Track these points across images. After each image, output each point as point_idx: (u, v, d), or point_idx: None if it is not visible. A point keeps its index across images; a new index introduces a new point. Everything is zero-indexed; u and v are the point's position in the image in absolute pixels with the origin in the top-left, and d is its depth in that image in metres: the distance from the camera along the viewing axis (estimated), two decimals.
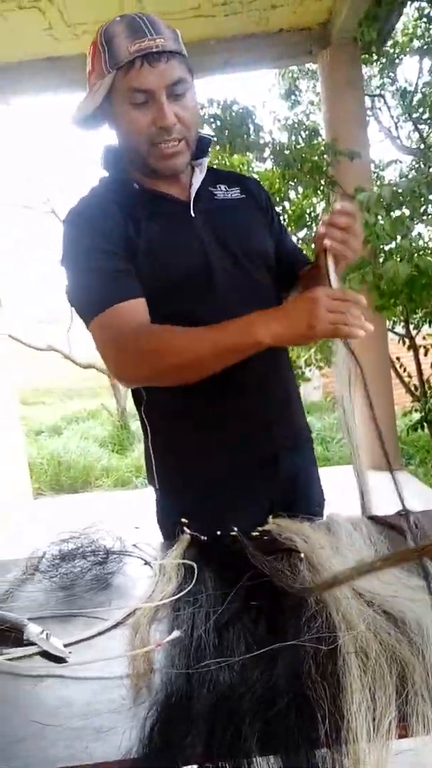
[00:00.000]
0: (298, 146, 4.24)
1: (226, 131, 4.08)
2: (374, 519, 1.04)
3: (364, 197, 3.07)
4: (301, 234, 4.39)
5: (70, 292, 1.11)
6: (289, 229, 4.19)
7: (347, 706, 0.53)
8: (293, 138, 4.36)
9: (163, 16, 3.56)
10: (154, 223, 1.10)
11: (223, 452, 1.13)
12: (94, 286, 1.06)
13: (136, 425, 6.78)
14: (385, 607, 0.71)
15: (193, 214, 1.13)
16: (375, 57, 5.16)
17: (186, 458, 1.16)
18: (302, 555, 0.89)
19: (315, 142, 4.33)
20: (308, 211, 4.46)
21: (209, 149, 1.19)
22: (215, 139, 4.08)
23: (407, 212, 3.58)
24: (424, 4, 4.93)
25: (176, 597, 0.79)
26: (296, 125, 4.54)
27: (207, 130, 4.18)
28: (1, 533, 3.66)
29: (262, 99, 6.43)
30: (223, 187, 1.19)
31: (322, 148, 4.10)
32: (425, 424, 4.45)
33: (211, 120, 4.10)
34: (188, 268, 1.09)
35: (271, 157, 4.21)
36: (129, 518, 1.25)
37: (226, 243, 1.13)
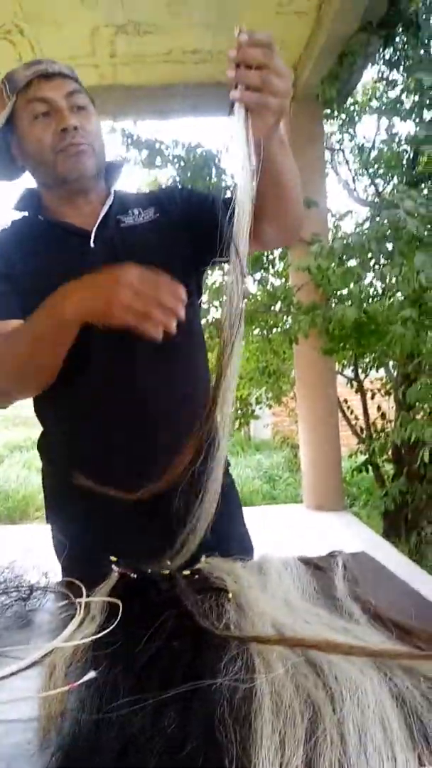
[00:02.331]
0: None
1: (189, 172, 4.19)
2: (304, 560, 1.05)
3: (316, 248, 3.20)
4: (258, 276, 4.50)
5: None
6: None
7: (256, 749, 0.52)
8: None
9: (135, 58, 3.70)
10: (53, 254, 1.10)
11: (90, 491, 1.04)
12: None
13: None
14: (305, 651, 0.71)
15: (92, 245, 1.11)
16: (335, 113, 5.42)
17: (64, 492, 1.13)
18: (230, 595, 0.88)
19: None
20: (266, 253, 4.58)
21: (120, 174, 1.21)
22: (178, 179, 4.18)
23: (356, 263, 3.73)
24: (383, 67, 5.24)
25: (97, 636, 0.77)
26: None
27: (170, 171, 4.28)
28: None
29: (227, 144, 6.61)
30: (135, 211, 1.17)
31: None
32: (370, 467, 4.54)
33: (175, 160, 4.20)
34: None
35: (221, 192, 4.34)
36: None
37: None
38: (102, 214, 1.14)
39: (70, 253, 1.11)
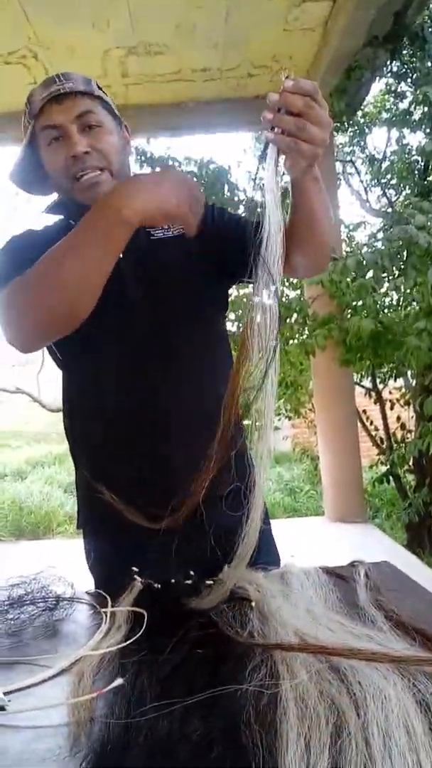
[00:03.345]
0: None
1: (202, 188, 4.24)
2: (325, 570, 1.05)
3: (330, 267, 3.22)
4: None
5: None
6: None
7: (282, 754, 0.53)
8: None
9: (145, 78, 3.77)
10: None
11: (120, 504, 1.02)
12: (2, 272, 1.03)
13: None
14: (329, 658, 0.71)
15: (121, 255, 1.10)
16: (346, 126, 5.46)
17: (93, 503, 1.08)
18: (253, 604, 0.89)
19: (287, 201, 4.53)
20: None
21: None
22: None
23: (370, 275, 3.73)
24: (391, 80, 5.28)
25: (123, 645, 0.79)
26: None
27: None
28: None
29: (238, 159, 6.71)
30: (164, 225, 1.17)
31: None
32: (391, 477, 4.50)
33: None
34: (105, 309, 1.04)
35: (245, 214, 4.38)
36: (86, 567, 1.23)
37: (153, 287, 1.12)
38: None
39: None
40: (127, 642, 0.79)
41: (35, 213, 1.24)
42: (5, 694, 0.69)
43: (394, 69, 4.57)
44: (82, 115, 1.08)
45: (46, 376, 7.17)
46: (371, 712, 0.59)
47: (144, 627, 0.83)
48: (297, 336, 4.39)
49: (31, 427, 9.15)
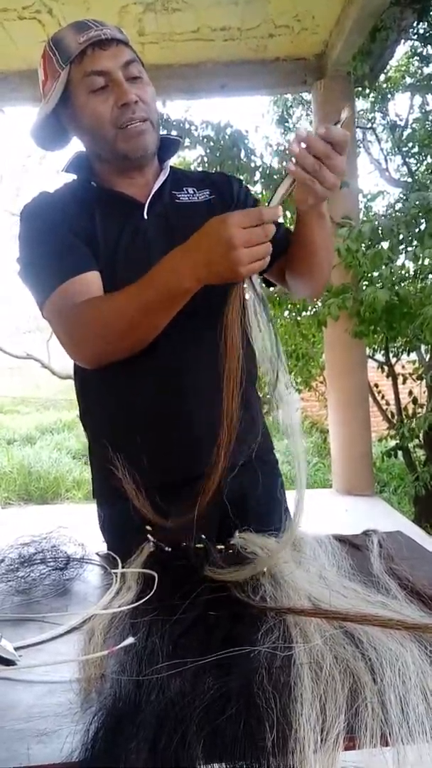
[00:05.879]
0: None
1: (218, 152, 4.14)
2: (338, 538, 1.04)
3: (344, 232, 3.15)
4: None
5: (24, 281, 1.10)
6: None
7: (296, 715, 0.52)
8: (284, 163, 4.45)
9: (162, 36, 3.64)
10: (107, 221, 1.09)
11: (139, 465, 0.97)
12: (44, 269, 1.04)
13: None
14: (343, 624, 0.70)
15: (146, 216, 1.10)
16: (368, 91, 5.29)
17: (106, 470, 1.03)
18: (265, 569, 0.88)
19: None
20: None
21: (176, 151, 1.19)
22: (206, 160, 4.12)
23: (386, 246, 3.65)
24: (416, 43, 5.09)
25: (134, 605, 0.78)
26: (287, 151, 4.64)
27: (200, 151, 4.23)
28: None
29: (256, 123, 6.56)
30: (190, 190, 1.16)
31: None
32: (400, 452, 4.48)
33: (204, 140, 4.15)
34: (130, 270, 1.02)
35: (261, 180, 4.28)
36: (95, 531, 1.22)
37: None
38: (155, 187, 1.12)
39: (123, 222, 1.10)
40: (138, 602, 0.78)
41: (48, 173, 1.20)
42: (16, 649, 0.69)
43: (420, 31, 4.39)
44: (128, 63, 1.04)
45: (56, 343, 7.15)
46: (388, 678, 0.58)
47: (155, 588, 0.83)
48: (310, 307, 4.33)
49: (41, 393, 9.19)
